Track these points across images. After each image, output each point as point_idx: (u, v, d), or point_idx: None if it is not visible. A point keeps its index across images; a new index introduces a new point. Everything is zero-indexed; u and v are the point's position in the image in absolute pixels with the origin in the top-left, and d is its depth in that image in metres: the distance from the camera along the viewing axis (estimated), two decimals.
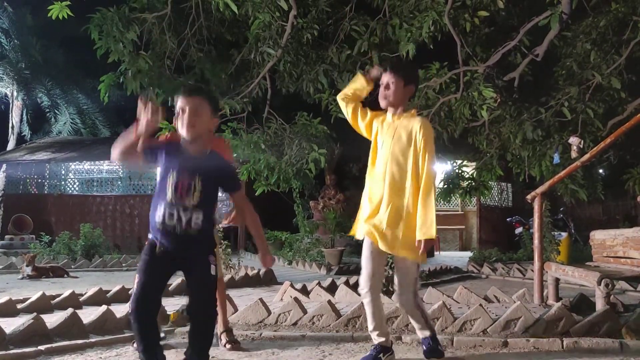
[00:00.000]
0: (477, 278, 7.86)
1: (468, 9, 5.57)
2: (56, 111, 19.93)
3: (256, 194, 6.41)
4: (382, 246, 2.72)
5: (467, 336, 3.24)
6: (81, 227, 10.56)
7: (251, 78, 6.27)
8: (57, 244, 10.26)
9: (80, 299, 4.56)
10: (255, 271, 6.90)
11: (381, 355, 2.75)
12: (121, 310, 3.65)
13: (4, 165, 14.36)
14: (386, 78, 2.83)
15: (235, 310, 3.86)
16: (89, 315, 3.55)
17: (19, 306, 4.18)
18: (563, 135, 5.97)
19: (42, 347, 2.93)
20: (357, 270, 8.04)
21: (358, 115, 2.98)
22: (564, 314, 3.28)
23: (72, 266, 8.68)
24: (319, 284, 5.23)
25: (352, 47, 5.86)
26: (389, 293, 4.23)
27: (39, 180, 14.72)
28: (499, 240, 12.64)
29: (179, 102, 2.33)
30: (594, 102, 5.92)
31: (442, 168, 7.27)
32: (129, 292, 4.88)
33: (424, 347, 2.87)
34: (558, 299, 4.30)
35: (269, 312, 3.75)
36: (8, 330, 3.04)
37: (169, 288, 5.14)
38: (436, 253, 12.71)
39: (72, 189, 14.66)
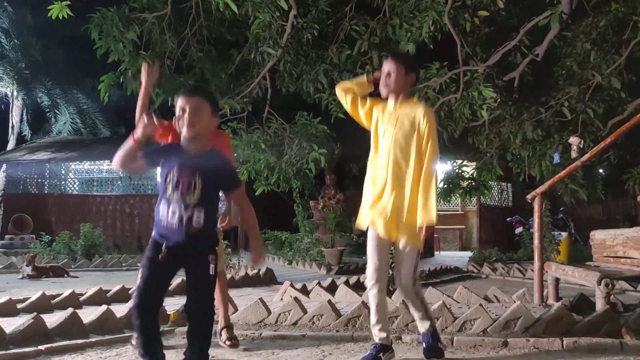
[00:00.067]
0: (477, 278, 7.86)
1: (468, 9, 5.57)
2: (56, 111, 19.92)
3: (256, 194, 6.41)
4: (385, 232, 2.73)
5: (467, 336, 3.25)
6: (81, 226, 10.56)
7: (251, 78, 6.27)
8: (57, 244, 10.26)
9: (80, 299, 4.57)
10: (255, 271, 6.90)
11: (381, 354, 2.75)
12: (121, 310, 3.65)
13: (4, 165, 14.37)
14: (387, 67, 2.83)
15: (236, 310, 3.87)
16: (89, 315, 3.56)
17: (19, 306, 4.18)
18: (563, 135, 5.97)
19: (42, 347, 2.93)
20: (357, 270, 8.07)
21: (358, 103, 2.98)
22: (564, 314, 3.28)
23: (72, 266, 8.68)
24: (319, 283, 5.23)
25: (352, 47, 5.86)
26: (389, 293, 4.23)
27: (39, 180, 14.72)
28: (499, 240, 12.63)
29: (179, 102, 2.35)
30: (594, 102, 5.92)
31: (442, 168, 7.27)
32: (129, 292, 4.89)
33: (424, 345, 2.86)
34: (558, 298, 4.30)
35: (269, 312, 3.75)
36: (8, 330, 3.04)
37: (169, 288, 5.14)
38: (436, 253, 12.71)
39: (72, 188, 14.66)
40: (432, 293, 4.67)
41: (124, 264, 9.24)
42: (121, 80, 5.79)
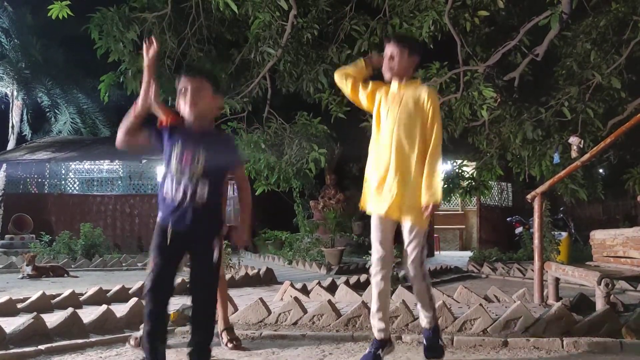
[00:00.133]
0: (477, 278, 7.86)
1: (468, 9, 5.58)
2: (56, 111, 19.92)
3: (256, 194, 6.41)
4: (391, 213, 2.71)
5: (467, 336, 3.25)
6: (81, 226, 10.57)
7: (251, 78, 6.27)
8: (57, 244, 10.26)
9: (81, 299, 4.57)
10: (256, 271, 6.90)
11: (380, 351, 2.74)
12: (121, 310, 3.65)
13: (4, 165, 14.36)
14: (390, 49, 2.82)
15: (236, 309, 3.86)
16: (89, 314, 3.56)
17: (19, 306, 4.18)
18: (563, 135, 5.97)
19: (42, 347, 2.93)
20: (357, 270, 8.07)
21: (359, 86, 2.96)
22: (564, 314, 3.28)
23: (72, 266, 8.68)
24: (319, 283, 5.23)
25: (352, 47, 5.86)
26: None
27: (39, 180, 14.71)
28: (499, 240, 12.63)
29: (181, 82, 2.42)
30: (594, 102, 5.93)
31: (442, 168, 7.26)
32: (129, 291, 4.90)
33: (424, 342, 2.82)
34: (558, 298, 4.30)
35: (269, 312, 3.75)
36: (8, 329, 3.04)
37: None
38: (436, 253, 12.71)
39: (72, 188, 14.65)
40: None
41: (124, 264, 9.25)
42: (121, 80, 5.79)
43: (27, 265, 7.24)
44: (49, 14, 5.26)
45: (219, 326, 3.16)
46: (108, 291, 4.86)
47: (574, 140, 5.68)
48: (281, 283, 5.79)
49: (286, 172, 6.20)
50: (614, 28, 6.08)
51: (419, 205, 2.70)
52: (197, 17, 5.92)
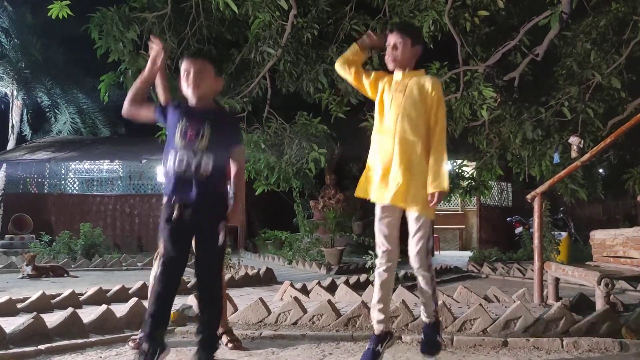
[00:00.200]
0: (477, 278, 7.86)
1: (468, 9, 5.58)
2: (56, 110, 19.91)
3: (256, 194, 6.41)
4: (396, 201, 2.67)
5: (467, 336, 3.24)
6: (81, 226, 10.57)
7: (251, 77, 6.27)
8: (57, 244, 10.27)
9: (80, 299, 4.56)
10: (255, 271, 6.90)
11: (379, 346, 2.70)
12: (121, 309, 3.65)
13: (4, 165, 14.37)
14: (393, 39, 2.80)
15: (235, 309, 3.86)
16: (89, 314, 3.55)
17: (19, 305, 4.18)
18: (563, 135, 5.97)
19: (42, 347, 2.92)
20: (357, 270, 8.07)
21: (362, 74, 2.94)
22: (564, 314, 3.28)
23: (72, 265, 8.68)
24: (318, 283, 5.23)
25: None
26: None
27: (39, 180, 14.72)
28: (499, 240, 12.64)
29: (184, 64, 2.48)
30: (594, 102, 5.93)
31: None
32: (129, 291, 4.90)
33: (423, 337, 2.78)
34: (558, 298, 4.30)
35: (269, 312, 3.75)
36: (8, 329, 3.04)
37: None
38: (436, 252, 12.71)
39: (72, 188, 14.66)
40: None
41: (123, 264, 9.25)
42: (121, 79, 5.78)
43: (27, 265, 7.24)
44: (48, 14, 5.25)
45: (219, 329, 3.16)
46: (108, 291, 4.85)
47: (574, 140, 5.68)
48: (281, 283, 5.79)
49: (286, 172, 6.19)
50: (614, 28, 6.08)
51: (424, 194, 2.66)
52: (197, 17, 5.92)
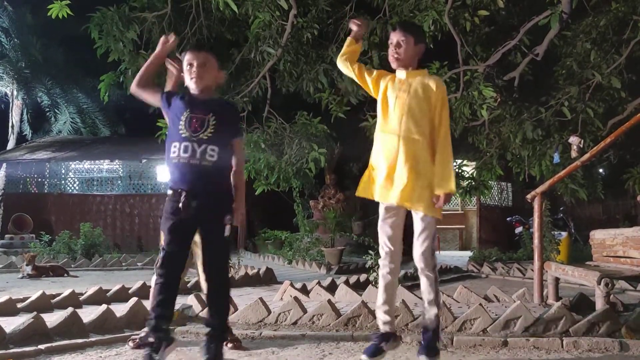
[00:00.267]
0: (477, 277, 7.86)
1: (468, 8, 5.58)
2: (56, 110, 19.91)
3: (256, 193, 6.41)
4: (402, 201, 2.67)
5: (467, 335, 3.25)
6: (81, 226, 10.57)
7: (251, 77, 6.27)
8: (57, 243, 10.26)
9: (80, 298, 4.56)
10: (255, 270, 6.90)
11: (383, 344, 2.71)
12: (121, 309, 3.65)
13: (4, 165, 14.37)
14: (396, 37, 2.79)
15: (235, 309, 3.86)
16: (89, 314, 3.55)
17: (19, 305, 4.17)
18: (563, 134, 5.97)
19: (42, 346, 2.92)
20: (357, 270, 8.07)
21: (364, 71, 2.94)
22: (564, 314, 3.28)
23: (72, 265, 8.68)
24: (318, 283, 5.23)
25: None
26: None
27: (39, 180, 14.72)
28: (499, 240, 12.64)
29: (187, 57, 2.55)
30: (594, 102, 5.93)
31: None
32: (129, 291, 4.90)
33: (422, 342, 2.74)
34: (558, 298, 4.29)
35: (269, 312, 3.75)
36: (8, 329, 3.04)
37: None
38: (436, 252, 12.68)
39: (72, 188, 14.66)
40: None
41: (123, 264, 9.25)
42: (121, 79, 5.79)
43: (27, 265, 7.24)
44: (48, 14, 5.25)
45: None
46: (108, 291, 4.85)
47: (574, 140, 5.68)
48: (281, 283, 5.79)
49: (286, 172, 6.19)
50: (614, 28, 6.08)
51: (430, 193, 2.65)
52: (197, 16, 5.92)
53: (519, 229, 11.35)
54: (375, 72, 2.93)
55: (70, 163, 14.80)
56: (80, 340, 3.12)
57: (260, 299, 3.87)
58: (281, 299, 4.71)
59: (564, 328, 3.23)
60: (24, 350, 2.86)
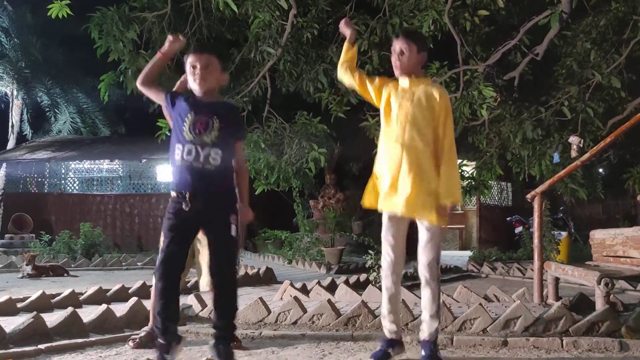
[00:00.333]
0: (477, 277, 7.86)
1: (468, 8, 5.58)
2: (56, 110, 19.90)
3: (256, 193, 6.40)
4: (407, 211, 2.65)
5: (467, 335, 3.25)
6: (81, 226, 10.57)
7: (251, 77, 6.27)
8: (57, 243, 10.26)
9: (80, 298, 4.56)
10: (255, 270, 6.90)
11: (390, 349, 2.74)
12: (121, 309, 3.65)
13: (4, 164, 14.37)
14: (399, 45, 2.78)
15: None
16: (88, 314, 3.55)
17: (19, 305, 4.18)
18: (563, 134, 5.97)
19: (42, 346, 2.92)
20: (357, 270, 8.06)
21: (366, 80, 2.93)
22: (564, 313, 3.28)
23: (72, 265, 8.68)
24: (318, 283, 5.23)
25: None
26: None
27: (39, 179, 14.72)
28: (498, 240, 12.63)
29: (190, 59, 2.54)
30: (594, 102, 5.93)
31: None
32: (129, 291, 4.90)
33: (423, 354, 2.74)
34: (558, 298, 4.29)
35: (269, 311, 3.75)
36: (8, 329, 3.04)
37: None
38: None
39: (72, 188, 14.66)
40: None
41: (123, 263, 9.25)
42: (121, 79, 5.79)
43: (27, 264, 7.24)
44: (48, 14, 5.25)
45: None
46: (108, 291, 4.86)
47: (573, 139, 5.68)
48: (281, 282, 5.79)
49: (286, 172, 6.19)
50: (614, 27, 6.08)
51: (435, 202, 2.65)
52: (197, 16, 5.92)
53: (518, 229, 11.35)
54: (377, 79, 2.92)
55: (70, 163, 14.80)
56: (80, 340, 3.12)
57: (260, 298, 3.88)
58: (281, 298, 4.71)
59: (564, 328, 3.23)
60: (24, 350, 2.86)
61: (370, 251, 5.29)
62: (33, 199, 14.19)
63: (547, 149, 6.06)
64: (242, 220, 2.54)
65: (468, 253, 11.38)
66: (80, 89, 19.80)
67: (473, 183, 6.93)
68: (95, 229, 10.59)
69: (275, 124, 6.34)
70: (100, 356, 2.92)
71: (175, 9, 5.79)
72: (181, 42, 2.69)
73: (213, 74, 2.55)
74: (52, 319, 3.30)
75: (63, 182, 14.69)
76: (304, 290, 5.04)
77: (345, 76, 2.98)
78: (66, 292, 4.48)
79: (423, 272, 2.75)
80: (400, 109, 2.76)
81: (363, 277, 5.97)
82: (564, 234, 9.24)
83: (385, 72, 5.73)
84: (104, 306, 3.56)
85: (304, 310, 3.72)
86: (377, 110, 2.94)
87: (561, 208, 11.27)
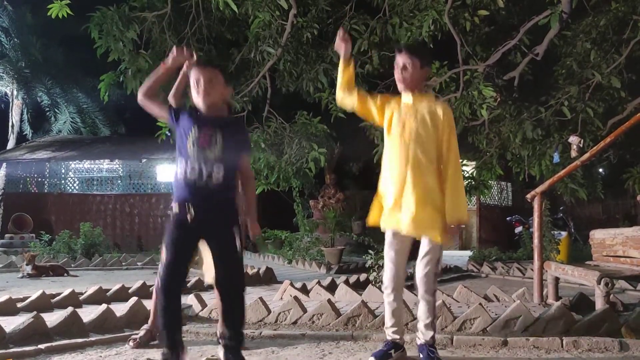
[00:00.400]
0: (477, 277, 7.86)
1: (468, 8, 5.58)
2: (56, 110, 19.90)
3: (256, 193, 6.39)
4: (410, 230, 2.65)
5: (467, 335, 3.25)
6: (81, 225, 10.57)
7: (251, 77, 6.27)
8: (57, 243, 10.27)
9: (80, 298, 4.56)
10: (255, 270, 6.90)
11: (392, 351, 2.75)
12: (121, 309, 3.65)
13: (4, 164, 14.37)
14: (402, 59, 2.76)
15: None
16: (88, 314, 3.56)
17: (19, 305, 4.17)
18: (563, 134, 5.97)
19: (42, 346, 2.93)
20: (357, 270, 8.07)
21: (367, 99, 2.88)
22: (564, 313, 3.28)
23: (72, 265, 8.68)
24: (318, 282, 5.23)
25: (352, 47, 5.85)
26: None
27: (39, 179, 14.73)
28: (498, 240, 12.64)
29: (194, 73, 2.50)
30: (593, 102, 5.93)
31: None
32: (129, 291, 4.90)
33: (421, 356, 2.77)
34: (558, 298, 4.30)
35: (269, 311, 3.75)
36: (8, 329, 3.04)
37: None
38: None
39: (72, 187, 14.67)
40: None
41: (123, 263, 9.24)
42: (121, 79, 5.79)
43: (27, 264, 7.24)
44: (48, 13, 5.25)
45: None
46: (108, 290, 4.85)
47: (573, 139, 5.68)
48: (281, 282, 5.79)
49: (286, 172, 6.20)
50: (614, 27, 6.08)
51: (439, 220, 2.64)
52: (197, 16, 5.93)
53: (518, 229, 11.35)
54: (378, 98, 2.88)
55: (70, 163, 14.80)
56: (80, 340, 3.12)
57: (260, 298, 3.88)
58: (281, 298, 4.71)
59: (564, 328, 3.23)
60: (24, 350, 2.86)
61: (370, 251, 5.29)
62: (33, 198, 14.19)
63: (547, 149, 6.06)
64: (252, 235, 2.53)
65: (468, 253, 11.38)
66: (80, 89, 19.81)
67: (473, 183, 6.93)
68: (95, 228, 10.59)
69: (275, 123, 6.34)
70: (100, 356, 2.93)
71: (175, 9, 5.79)
72: (187, 56, 2.59)
73: (217, 88, 2.51)
74: (52, 318, 3.30)
75: (63, 182, 14.69)
76: (304, 290, 5.04)
77: (345, 100, 2.92)
78: (66, 292, 4.48)
79: (419, 286, 2.76)
80: (404, 126, 2.74)
81: (363, 277, 5.97)
82: (564, 233, 9.24)
83: (385, 72, 5.75)
84: (104, 306, 3.56)
85: (304, 310, 3.72)
86: (383, 136, 2.92)
87: (561, 208, 11.28)
